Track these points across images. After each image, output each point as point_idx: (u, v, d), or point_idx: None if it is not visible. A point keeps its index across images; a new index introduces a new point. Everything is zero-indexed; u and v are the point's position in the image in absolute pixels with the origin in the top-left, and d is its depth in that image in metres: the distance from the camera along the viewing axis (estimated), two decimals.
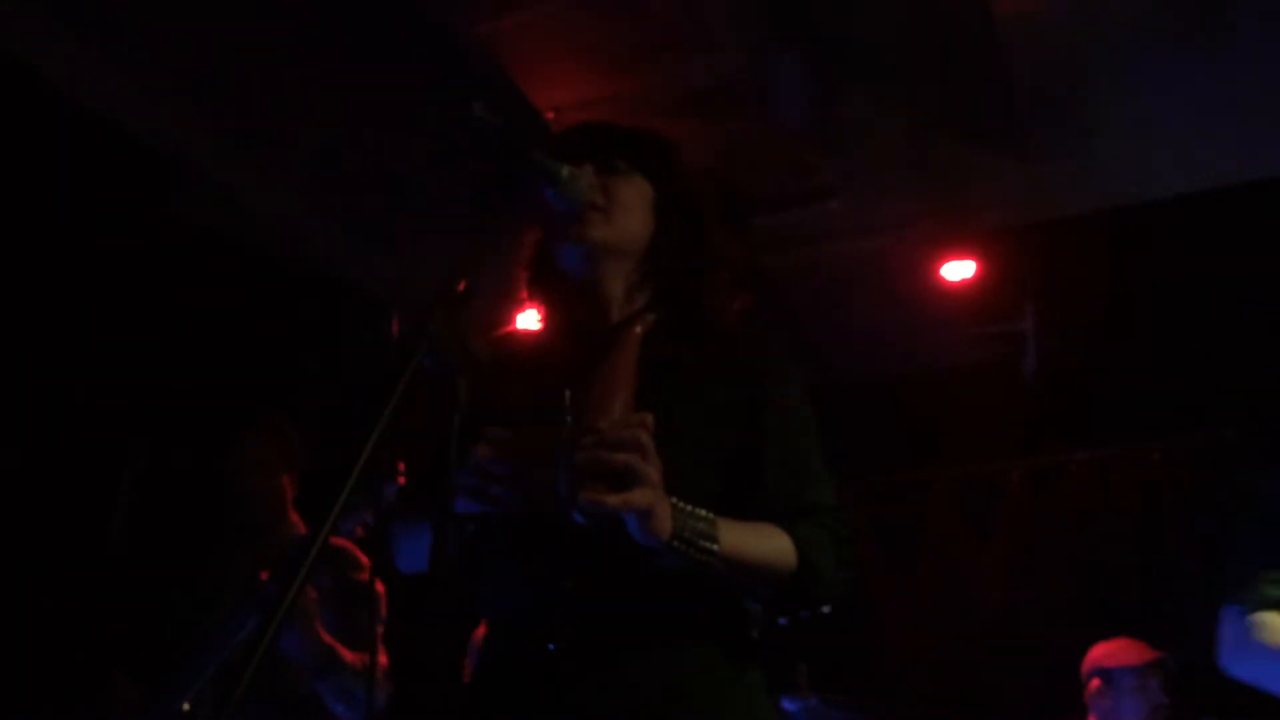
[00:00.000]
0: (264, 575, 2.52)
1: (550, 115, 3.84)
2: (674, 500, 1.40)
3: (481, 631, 2.30)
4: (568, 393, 1.57)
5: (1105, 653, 3.73)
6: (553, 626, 1.50)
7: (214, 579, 2.83)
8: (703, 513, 1.43)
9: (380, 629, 2.84)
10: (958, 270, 4.68)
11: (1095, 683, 3.70)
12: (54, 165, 3.72)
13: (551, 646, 1.50)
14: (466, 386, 1.34)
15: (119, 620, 3.00)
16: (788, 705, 3.79)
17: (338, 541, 2.76)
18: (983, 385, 4.91)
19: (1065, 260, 4.64)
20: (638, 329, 1.65)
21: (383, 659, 2.80)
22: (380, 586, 2.78)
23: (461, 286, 1.36)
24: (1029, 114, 4.08)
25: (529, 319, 4.11)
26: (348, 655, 2.64)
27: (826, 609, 1.55)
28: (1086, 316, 4.86)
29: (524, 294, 1.79)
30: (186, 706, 2.59)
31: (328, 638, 2.60)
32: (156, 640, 2.82)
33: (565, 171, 1.60)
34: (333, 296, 5.04)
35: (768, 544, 1.50)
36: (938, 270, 4.69)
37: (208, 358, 4.16)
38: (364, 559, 2.77)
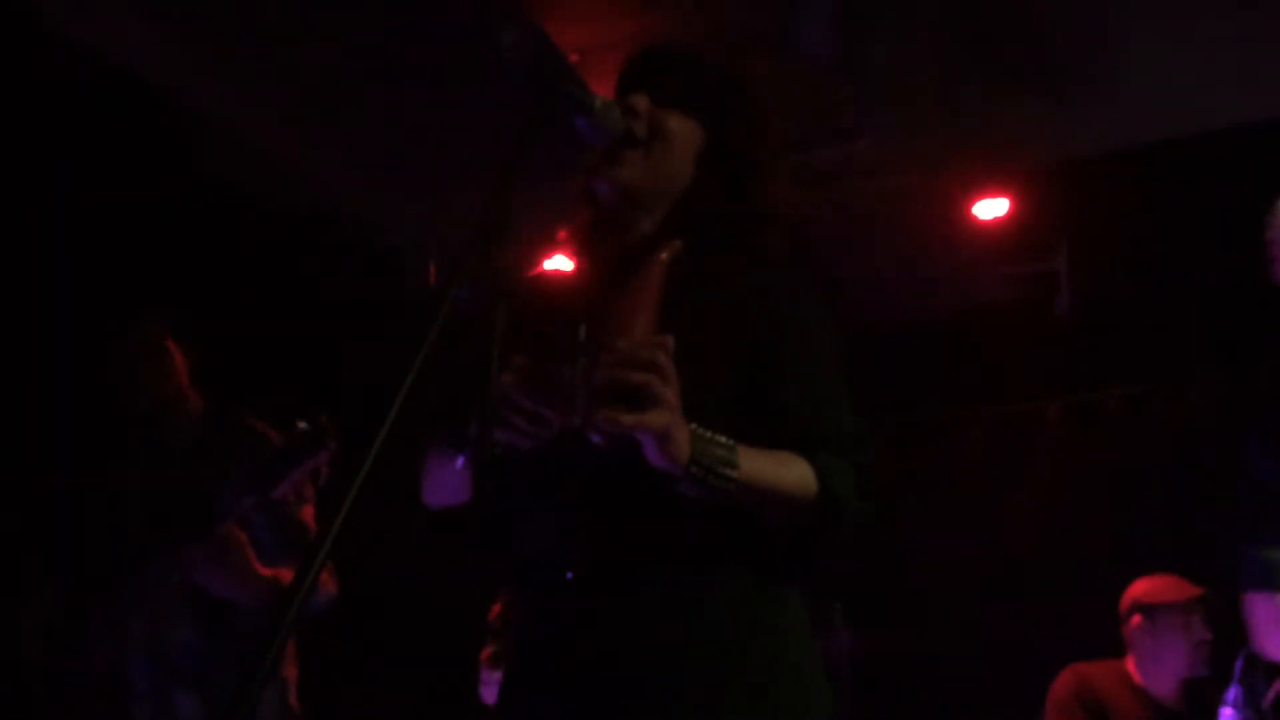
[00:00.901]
0: (184, 524, 2.43)
1: (575, 57, 3.80)
2: (693, 426, 1.37)
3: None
4: (583, 325, 1.57)
5: (1146, 589, 3.70)
6: (571, 555, 1.50)
7: (110, 482, 2.75)
8: (722, 439, 1.40)
9: (309, 511, 2.73)
10: (990, 209, 4.62)
11: (1136, 619, 3.66)
12: (74, 121, 3.72)
13: (570, 575, 1.50)
14: (503, 317, 1.33)
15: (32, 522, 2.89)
16: (823, 643, 3.81)
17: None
18: (1016, 325, 4.87)
19: (1099, 198, 4.58)
20: (664, 255, 1.62)
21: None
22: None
23: (496, 220, 1.34)
24: (1061, 49, 4.01)
25: (557, 263, 4.13)
26: (287, 577, 2.58)
27: (849, 539, 1.53)
28: (1120, 254, 4.80)
29: (562, 230, 1.77)
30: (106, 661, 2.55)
31: (267, 571, 2.56)
32: (71, 541, 2.75)
33: (598, 102, 1.56)
34: (355, 247, 5.05)
35: (788, 472, 1.47)
36: (970, 209, 4.63)
37: (234, 313, 4.18)
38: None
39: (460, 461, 1.56)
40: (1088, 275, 4.85)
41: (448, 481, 1.61)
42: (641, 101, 1.65)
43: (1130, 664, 3.68)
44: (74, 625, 2.57)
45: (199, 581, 2.48)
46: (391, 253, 5.20)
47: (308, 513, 2.73)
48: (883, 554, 3.36)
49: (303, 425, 2.37)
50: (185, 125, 4.16)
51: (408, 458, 1.58)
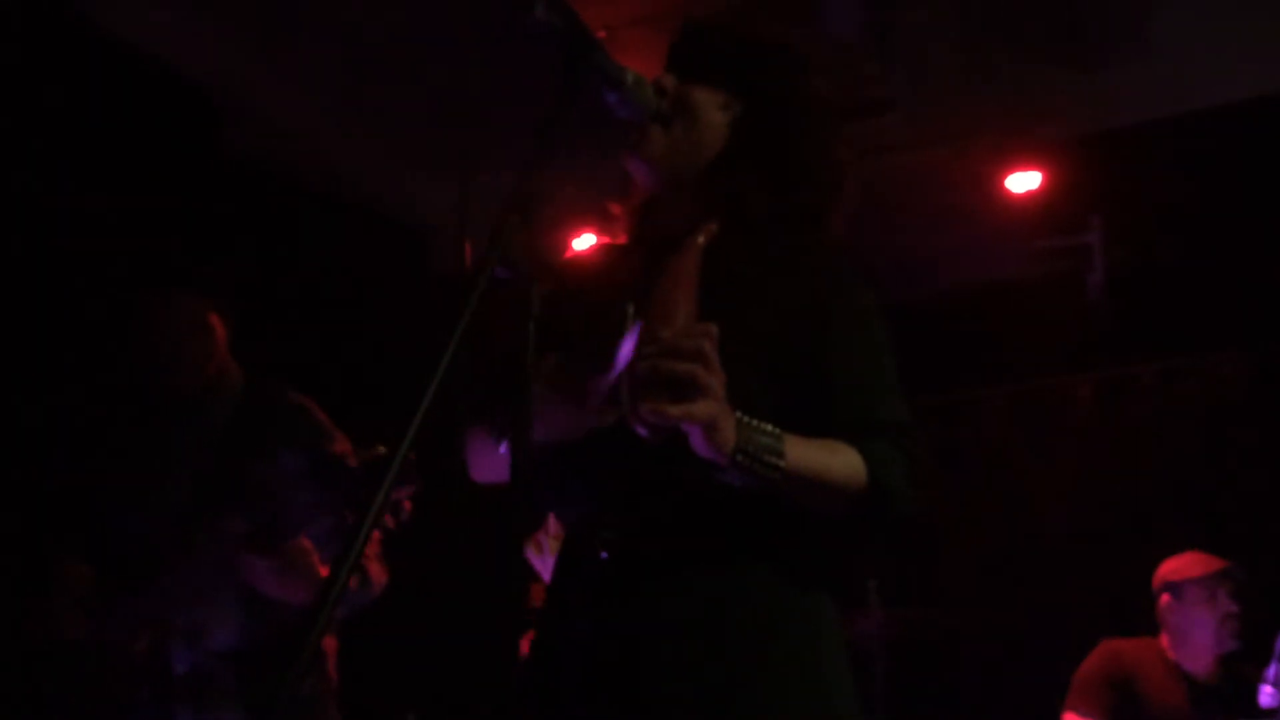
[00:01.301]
0: (249, 534, 2.42)
1: (602, 34, 3.78)
2: (738, 414, 1.34)
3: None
4: (630, 307, 1.55)
5: (1172, 568, 3.71)
6: (606, 536, 1.49)
7: (153, 461, 2.73)
8: (768, 427, 1.37)
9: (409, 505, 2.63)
10: (1023, 182, 4.57)
11: (1165, 598, 3.68)
12: (99, 104, 3.73)
13: (604, 555, 1.49)
14: (540, 294, 1.31)
15: (70, 501, 2.88)
16: (857, 622, 3.80)
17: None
18: (1048, 300, 4.82)
19: (1133, 170, 4.52)
20: (700, 238, 1.59)
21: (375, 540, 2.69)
22: (346, 446, 2.61)
23: (530, 197, 1.32)
24: (1093, 17, 3.95)
25: (585, 242, 4.12)
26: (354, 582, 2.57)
27: (899, 529, 1.50)
28: (1154, 227, 4.74)
29: (614, 205, 1.75)
30: (147, 640, 2.56)
31: (325, 571, 2.53)
32: (108, 518, 2.74)
33: (630, 77, 1.54)
34: (379, 228, 5.06)
35: (836, 461, 1.42)
36: (1002, 182, 4.58)
37: (260, 295, 4.19)
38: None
39: (504, 448, 1.55)
40: (1121, 248, 4.79)
41: (493, 464, 1.60)
42: (667, 79, 1.62)
43: (1164, 641, 3.68)
44: (112, 606, 2.58)
45: (258, 586, 2.47)
46: (421, 233, 5.21)
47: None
48: (916, 534, 3.33)
49: (383, 450, 2.34)
50: (213, 107, 4.17)
51: (447, 437, 1.57)
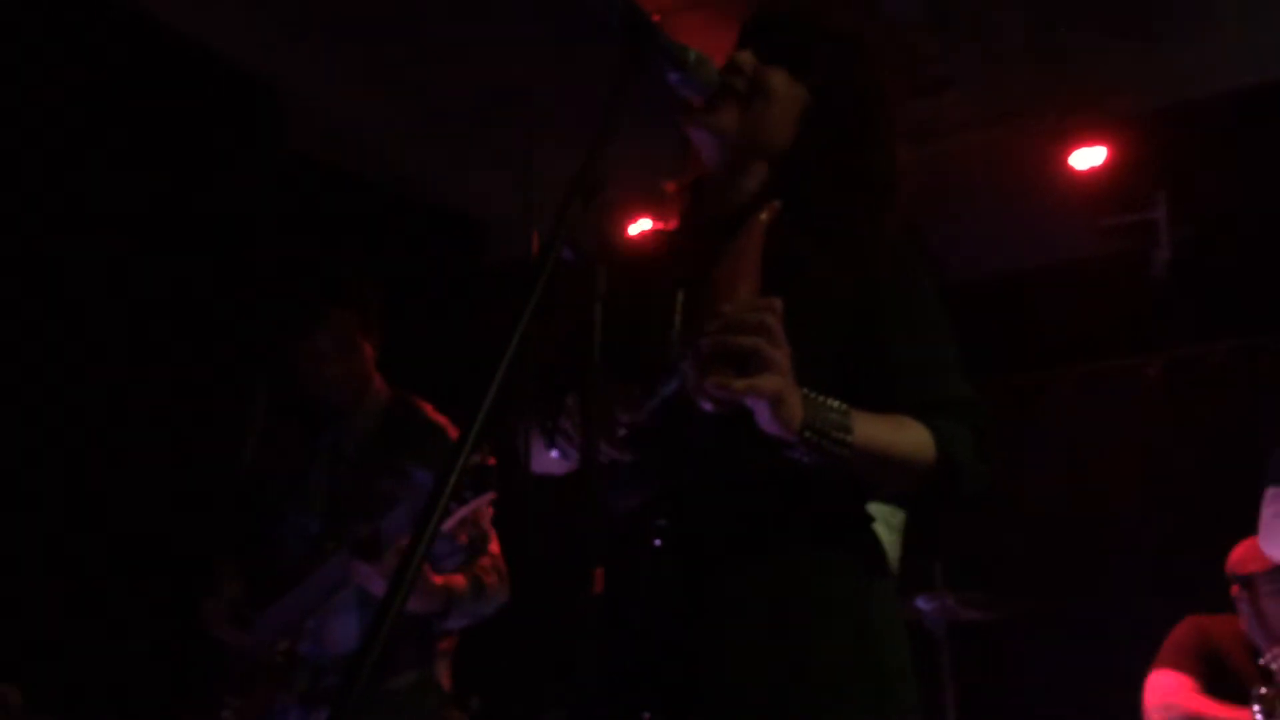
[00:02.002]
0: (360, 538, 2.50)
1: (656, 18, 3.76)
2: (805, 390, 1.33)
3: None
4: (680, 294, 1.54)
5: (1239, 557, 3.63)
6: (660, 523, 1.48)
7: (301, 475, 2.84)
8: (835, 403, 1.35)
9: (491, 510, 2.77)
10: (1087, 158, 4.50)
11: (1235, 588, 3.61)
12: (163, 100, 3.79)
13: (658, 543, 1.48)
14: (605, 276, 1.30)
15: (234, 512, 3.04)
16: (922, 604, 3.77)
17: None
18: (1113, 278, 4.74)
19: (1198, 145, 4.43)
20: (763, 215, 1.57)
21: (494, 548, 2.77)
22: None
23: (594, 179, 1.32)
24: None
25: (640, 226, 4.12)
26: (459, 583, 2.64)
27: (966, 505, 1.48)
28: (1220, 202, 4.63)
29: (669, 184, 1.74)
30: (285, 646, 2.67)
31: (439, 579, 2.60)
32: (249, 538, 2.89)
33: (693, 56, 1.53)
34: (439, 218, 5.10)
35: (904, 436, 1.41)
36: (1066, 159, 4.52)
37: (323, 285, 4.24)
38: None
39: (554, 453, 1.55)
40: (1187, 225, 4.69)
41: (542, 460, 1.61)
42: (745, 57, 1.61)
43: (1243, 624, 3.62)
44: (258, 612, 2.71)
45: (371, 591, 2.55)
46: (481, 223, 5.23)
47: (486, 513, 2.78)
48: (979, 515, 3.29)
49: (474, 458, 2.40)
50: (272, 102, 4.22)
51: (510, 425, 1.58)
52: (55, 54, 3.45)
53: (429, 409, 2.87)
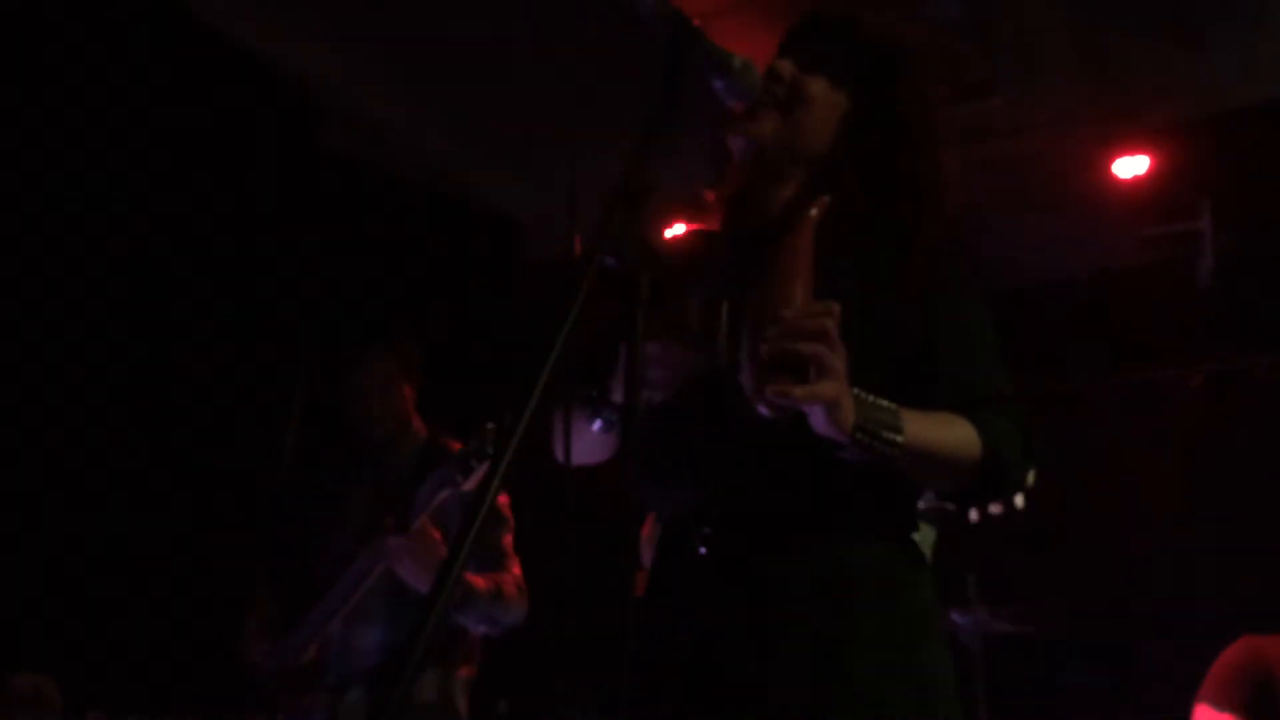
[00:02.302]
0: (388, 520, 2.63)
1: (697, 22, 3.74)
2: (856, 390, 1.34)
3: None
4: (725, 304, 1.54)
5: None
6: (705, 531, 1.48)
7: (337, 503, 2.97)
8: (885, 403, 1.37)
9: (509, 539, 2.92)
10: (1130, 167, 4.46)
11: None
12: (203, 103, 3.82)
13: (703, 550, 1.48)
14: (648, 283, 1.29)
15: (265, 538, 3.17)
16: (956, 619, 3.73)
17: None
18: (1156, 288, 4.68)
19: (1243, 153, 4.36)
20: (813, 211, 1.57)
21: (516, 569, 2.87)
22: (504, 498, 2.83)
23: (638, 185, 1.31)
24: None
25: (676, 231, 4.10)
26: (480, 583, 2.73)
27: (1016, 501, 1.48)
28: (1266, 212, 4.56)
29: (708, 192, 1.73)
30: (312, 654, 2.72)
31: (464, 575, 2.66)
32: (285, 560, 2.99)
33: (737, 62, 1.52)
34: (474, 218, 5.12)
35: (952, 433, 1.43)
36: (1109, 167, 4.47)
37: (360, 284, 4.27)
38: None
39: (597, 425, 1.55)
40: (1232, 234, 4.62)
41: (584, 443, 1.61)
42: (785, 65, 1.61)
43: None
44: (290, 630, 2.80)
45: (400, 572, 2.64)
46: (516, 223, 5.24)
47: (508, 540, 2.92)
48: (1016, 528, 3.26)
49: (491, 425, 2.54)
50: (312, 105, 4.25)
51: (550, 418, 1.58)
52: (94, 54, 3.49)
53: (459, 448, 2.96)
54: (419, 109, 4.52)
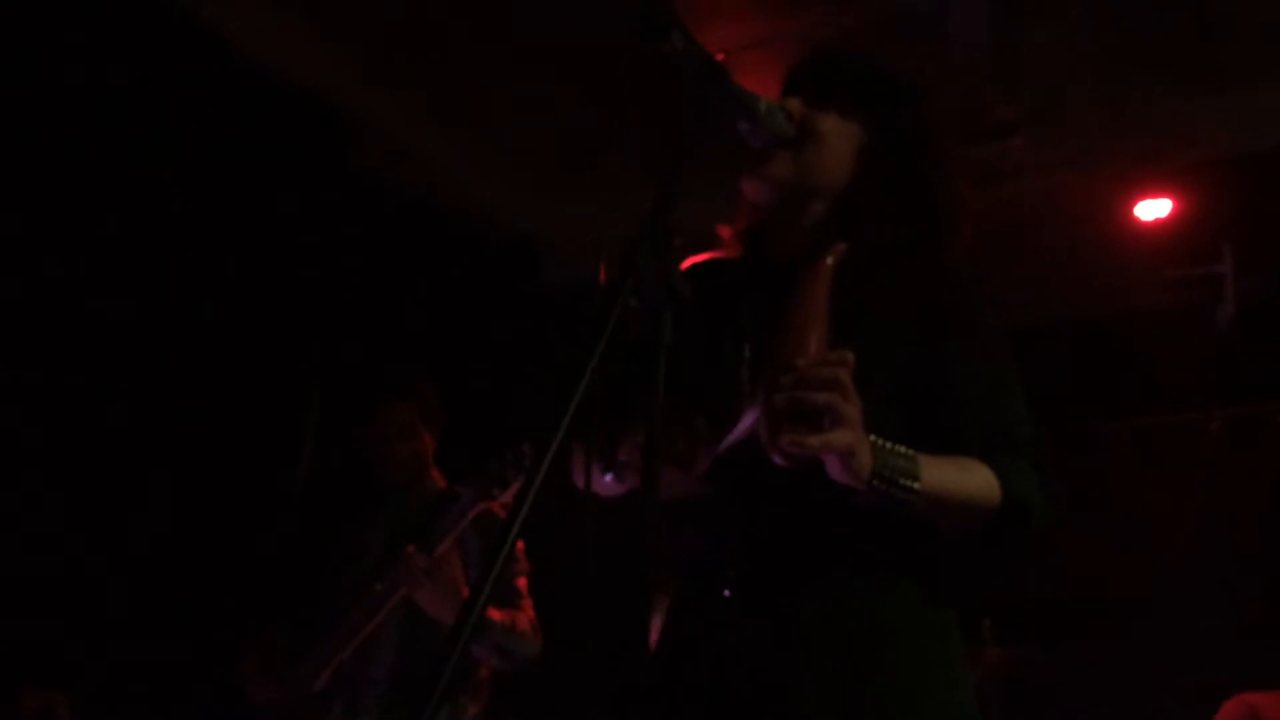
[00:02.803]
0: (410, 549, 2.63)
1: (720, 56, 3.77)
2: (873, 437, 1.34)
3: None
4: (746, 346, 1.53)
5: None
6: (729, 573, 1.48)
7: (353, 540, 3.01)
8: (902, 449, 1.36)
9: (524, 581, 2.96)
10: (1152, 209, 4.45)
11: None
12: (230, 123, 3.85)
13: (727, 593, 1.47)
14: (670, 324, 1.30)
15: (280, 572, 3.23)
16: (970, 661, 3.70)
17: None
18: (1177, 331, 4.65)
19: (1266, 197, 4.35)
20: (829, 259, 1.56)
21: (529, 611, 2.89)
22: (519, 544, 2.85)
23: (663, 224, 1.31)
24: (1225, 42, 3.82)
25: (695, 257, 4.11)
26: (495, 614, 2.75)
27: (1032, 544, 1.47)
28: None
29: (724, 229, 1.74)
30: (324, 682, 2.74)
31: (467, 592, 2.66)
32: (298, 596, 3.02)
33: (763, 106, 1.53)
34: (496, 244, 5.14)
35: (970, 478, 1.42)
36: (1131, 210, 4.47)
37: (380, 307, 4.29)
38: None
39: (609, 478, 1.55)
40: (1254, 278, 4.60)
41: (600, 482, 1.60)
42: (794, 103, 1.61)
43: None
44: (296, 661, 2.82)
45: (419, 599, 2.67)
46: (536, 249, 5.26)
47: (522, 582, 2.97)
48: (1032, 570, 3.25)
49: (528, 446, 2.62)
50: (340, 128, 4.28)
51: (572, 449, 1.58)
52: (124, 75, 3.53)
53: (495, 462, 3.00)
54: (448, 136, 4.55)
